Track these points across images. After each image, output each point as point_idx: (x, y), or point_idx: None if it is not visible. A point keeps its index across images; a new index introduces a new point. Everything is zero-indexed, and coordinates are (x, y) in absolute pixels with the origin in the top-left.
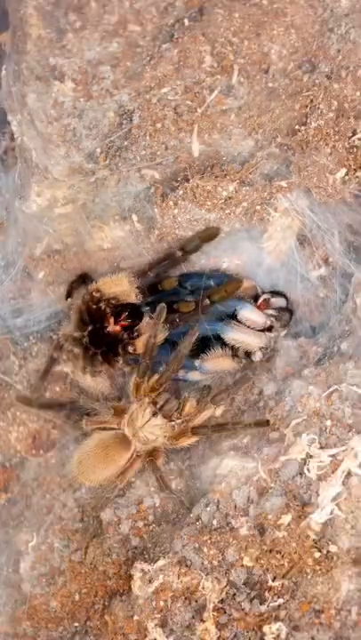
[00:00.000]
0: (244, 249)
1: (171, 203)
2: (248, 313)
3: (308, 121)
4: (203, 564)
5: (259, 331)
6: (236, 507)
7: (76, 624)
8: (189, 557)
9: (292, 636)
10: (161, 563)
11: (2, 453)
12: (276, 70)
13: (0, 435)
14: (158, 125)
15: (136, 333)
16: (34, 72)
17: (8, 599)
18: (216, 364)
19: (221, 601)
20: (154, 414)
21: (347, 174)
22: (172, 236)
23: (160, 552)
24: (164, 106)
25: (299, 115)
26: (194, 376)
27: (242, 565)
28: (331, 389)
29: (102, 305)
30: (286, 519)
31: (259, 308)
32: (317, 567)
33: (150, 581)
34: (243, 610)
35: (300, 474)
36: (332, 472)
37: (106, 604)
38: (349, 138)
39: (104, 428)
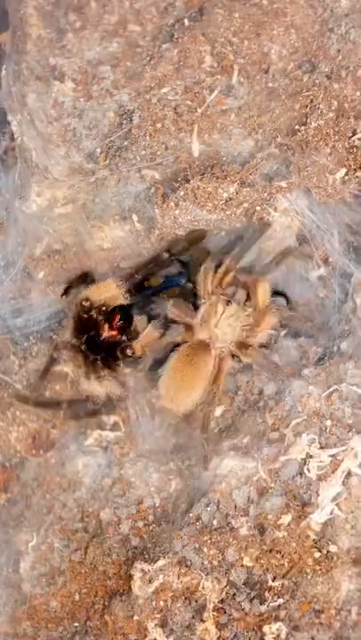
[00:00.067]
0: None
1: (172, 204)
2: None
3: (308, 121)
4: (203, 563)
5: None
6: (236, 507)
7: (76, 624)
8: (189, 557)
9: (292, 636)
10: (161, 563)
11: (2, 453)
12: (276, 70)
13: (0, 435)
14: (158, 125)
15: (133, 334)
16: (34, 72)
17: (8, 599)
18: None
19: (221, 601)
20: (228, 303)
21: (346, 174)
22: (173, 237)
23: (160, 552)
24: (164, 106)
25: (299, 115)
26: None
27: (242, 565)
28: (331, 389)
29: (93, 313)
30: (286, 519)
31: None
32: (317, 567)
33: (150, 581)
34: (243, 610)
35: (300, 474)
36: (332, 472)
37: (106, 603)
38: (349, 138)
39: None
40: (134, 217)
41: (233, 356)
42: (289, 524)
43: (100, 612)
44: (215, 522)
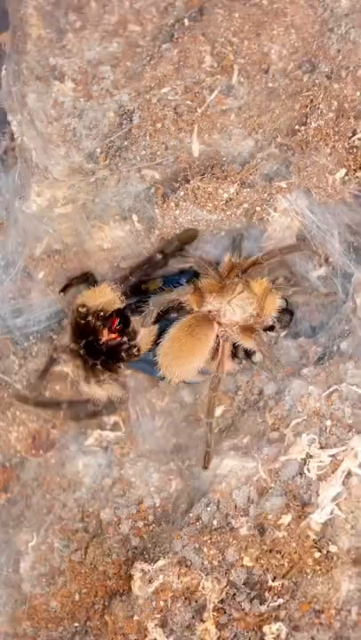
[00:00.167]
0: (244, 248)
1: (172, 204)
2: None
3: (308, 121)
4: (203, 564)
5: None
6: (236, 507)
7: (76, 624)
8: (189, 557)
9: (292, 636)
10: (161, 563)
11: (2, 453)
12: (276, 70)
13: (0, 435)
14: (158, 125)
15: (132, 334)
16: (34, 72)
17: (8, 599)
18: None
19: (221, 601)
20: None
21: (346, 174)
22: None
23: (160, 552)
24: (164, 106)
25: (299, 115)
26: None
27: (242, 565)
28: (331, 389)
29: (91, 319)
30: (286, 519)
31: None
32: (317, 567)
33: (150, 581)
34: (243, 610)
35: (300, 474)
36: (332, 472)
37: (106, 604)
38: (349, 138)
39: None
40: (134, 217)
41: (233, 356)
42: (289, 524)
43: (100, 612)
44: (215, 522)
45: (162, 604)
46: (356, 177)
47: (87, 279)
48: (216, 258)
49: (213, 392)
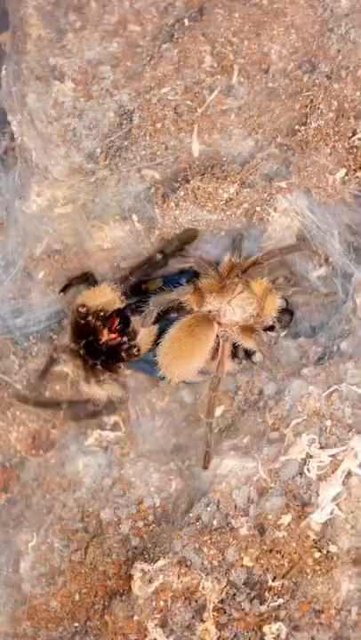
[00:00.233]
0: (244, 248)
1: (172, 204)
2: None
3: (308, 121)
4: (203, 564)
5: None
6: (236, 507)
7: (76, 624)
8: (189, 557)
9: (292, 636)
10: (161, 563)
11: (2, 453)
12: (276, 70)
13: (0, 435)
14: (158, 125)
15: (132, 334)
16: (34, 72)
17: (8, 599)
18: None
19: (221, 601)
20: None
21: (346, 174)
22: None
23: (160, 552)
24: (164, 106)
25: (299, 115)
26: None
27: (242, 565)
28: (331, 389)
29: (91, 319)
30: (286, 519)
31: None
32: (317, 567)
33: (150, 581)
34: (243, 610)
35: (300, 474)
36: (332, 472)
37: (106, 604)
38: (349, 138)
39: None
40: (134, 217)
41: (233, 356)
42: (289, 524)
43: (100, 612)
44: (215, 522)
45: (162, 603)
46: (356, 177)
47: (87, 279)
48: (216, 258)
49: (213, 392)
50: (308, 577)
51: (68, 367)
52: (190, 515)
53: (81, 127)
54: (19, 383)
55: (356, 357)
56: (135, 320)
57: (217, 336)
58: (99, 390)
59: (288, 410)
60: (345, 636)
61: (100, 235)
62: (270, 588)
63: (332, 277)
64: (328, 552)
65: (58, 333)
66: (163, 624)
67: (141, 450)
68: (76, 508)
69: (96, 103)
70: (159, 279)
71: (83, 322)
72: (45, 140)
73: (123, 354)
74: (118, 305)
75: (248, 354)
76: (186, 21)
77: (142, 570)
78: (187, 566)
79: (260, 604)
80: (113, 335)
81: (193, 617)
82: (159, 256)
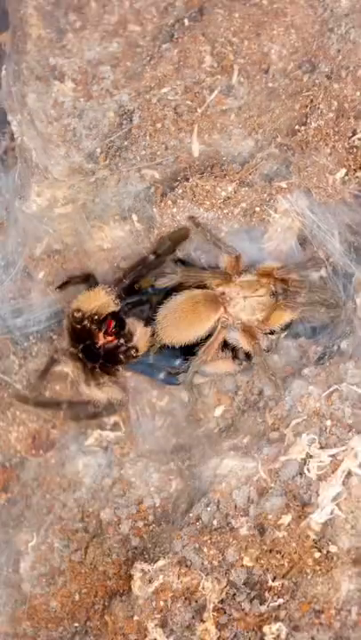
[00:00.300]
0: (244, 249)
1: (169, 202)
2: None
3: (308, 121)
4: (203, 564)
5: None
6: (236, 507)
7: (76, 624)
8: (189, 557)
9: (292, 636)
10: (161, 563)
11: (2, 453)
12: (276, 70)
13: (0, 435)
14: (158, 125)
15: (129, 336)
16: (34, 72)
17: (8, 599)
18: (216, 366)
19: (221, 601)
20: (271, 294)
21: (347, 174)
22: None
23: (160, 552)
24: (164, 106)
25: (299, 115)
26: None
27: (242, 565)
28: (331, 389)
29: (86, 323)
30: (286, 519)
31: None
32: (317, 567)
33: (150, 581)
34: (243, 610)
35: (300, 474)
36: (332, 472)
37: (106, 604)
38: (349, 138)
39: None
40: (134, 217)
41: (234, 358)
42: (289, 524)
43: (100, 612)
44: (215, 522)
45: (162, 604)
46: (357, 177)
47: (88, 280)
48: (216, 258)
49: (192, 374)
50: (309, 577)
51: (68, 367)
52: (190, 515)
53: (81, 127)
54: (19, 383)
55: (357, 357)
56: (130, 321)
57: (218, 319)
58: (99, 393)
59: (288, 410)
60: (345, 636)
61: (99, 235)
62: (270, 588)
63: (332, 277)
64: (328, 552)
65: (58, 333)
66: (163, 624)
67: (141, 450)
68: (76, 508)
69: (96, 103)
70: (152, 278)
71: (79, 326)
72: (45, 140)
73: (121, 356)
74: (113, 308)
75: (248, 355)
76: (186, 21)
77: (142, 570)
78: (187, 566)
79: (260, 604)
80: (110, 338)
81: (193, 617)
82: (152, 257)
